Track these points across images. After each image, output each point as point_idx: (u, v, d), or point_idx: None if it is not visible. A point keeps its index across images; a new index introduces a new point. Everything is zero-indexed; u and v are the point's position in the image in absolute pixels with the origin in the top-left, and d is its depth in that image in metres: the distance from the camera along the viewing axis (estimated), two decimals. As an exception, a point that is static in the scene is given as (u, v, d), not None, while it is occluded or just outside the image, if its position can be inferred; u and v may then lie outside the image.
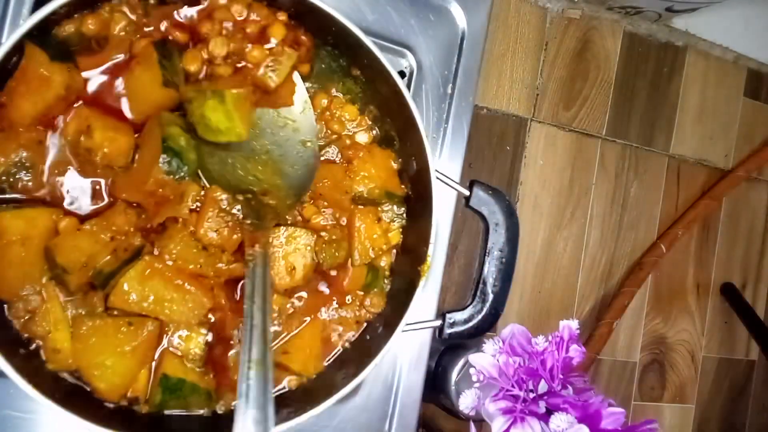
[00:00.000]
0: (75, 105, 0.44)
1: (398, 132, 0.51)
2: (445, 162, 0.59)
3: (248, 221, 0.47)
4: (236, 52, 0.48)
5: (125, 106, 0.45)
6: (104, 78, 0.45)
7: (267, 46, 0.49)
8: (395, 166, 0.52)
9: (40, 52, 0.41)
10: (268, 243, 0.46)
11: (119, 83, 0.45)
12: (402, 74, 0.59)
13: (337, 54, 0.51)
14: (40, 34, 0.42)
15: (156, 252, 0.44)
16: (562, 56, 1.16)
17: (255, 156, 0.49)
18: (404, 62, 0.59)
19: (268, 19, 0.50)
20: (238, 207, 0.47)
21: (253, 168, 0.50)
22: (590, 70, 1.18)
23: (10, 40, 0.39)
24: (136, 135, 0.45)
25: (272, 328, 0.48)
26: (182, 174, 0.44)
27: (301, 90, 0.50)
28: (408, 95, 0.47)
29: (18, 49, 0.41)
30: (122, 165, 0.44)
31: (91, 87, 0.44)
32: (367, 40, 0.46)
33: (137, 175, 0.44)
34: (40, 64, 0.41)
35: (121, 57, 0.45)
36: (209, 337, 0.46)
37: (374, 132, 0.52)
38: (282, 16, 0.50)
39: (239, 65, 0.49)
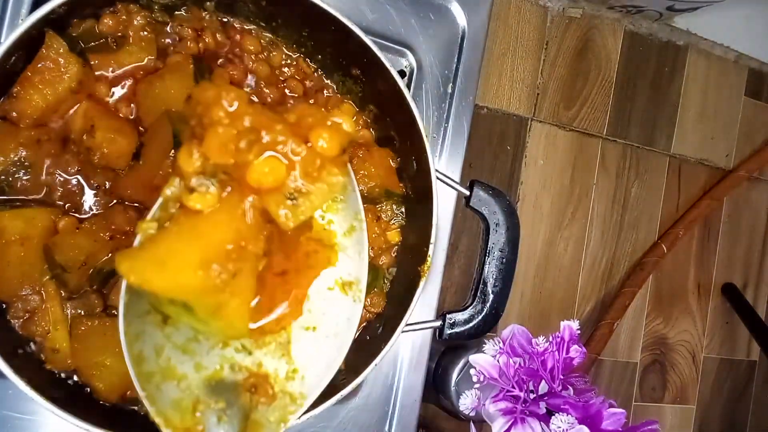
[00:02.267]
0: (82, 104, 0.43)
1: (398, 131, 0.51)
2: (445, 162, 0.59)
3: None
4: (232, 165, 0.27)
5: (133, 108, 0.45)
6: (118, 79, 0.45)
7: (293, 155, 0.27)
8: (394, 164, 0.52)
9: (59, 40, 0.41)
10: None
11: (131, 86, 0.45)
12: (402, 74, 0.58)
13: (337, 54, 0.51)
14: (56, 29, 0.42)
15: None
16: (562, 55, 1.15)
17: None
18: (404, 61, 0.58)
19: (313, 114, 0.28)
20: None
21: (240, 342, 0.30)
22: (591, 69, 1.18)
23: (10, 38, 0.39)
24: (140, 136, 0.45)
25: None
26: None
27: (353, 198, 0.32)
28: (408, 95, 0.47)
29: (17, 48, 0.40)
30: (120, 167, 0.44)
31: (102, 86, 0.44)
32: (367, 40, 0.46)
33: (144, 171, 0.44)
34: (59, 53, 0.41)
35: (140, 61, 0.44)
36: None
37: (373, 131, 0.52)
38: (345, 111, 0.29)
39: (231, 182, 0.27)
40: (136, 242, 0.29)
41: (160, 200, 0.28)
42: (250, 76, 0.49)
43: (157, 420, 0.29)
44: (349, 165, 0.32)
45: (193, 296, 0.27)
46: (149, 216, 0.28)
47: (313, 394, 0.33)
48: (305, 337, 0.33)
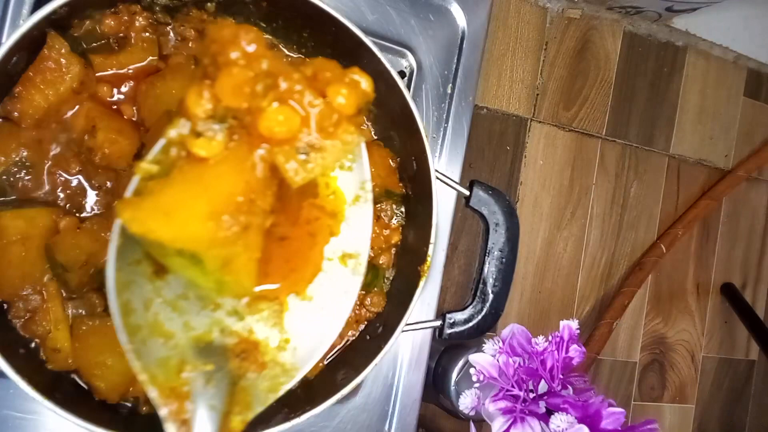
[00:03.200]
0: (84, 104, 0.44)
1: (398, 132, 0.51)
2: (445, 162, 0.59)
3: None
4: (243, 110, 0.26)
5: (135, 109, 0.45)
6: (119, 80, 0.45)
7: (310, 107, 0.26)
8: (394, 164, 0.52)
9: (61, 41, 0.42)
10: None
11: (133, 86, 0.45)
12: (402, 74, 0.59)
13: (336, 54, 0.51)
14: (57, 30, 0.42)
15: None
16: (562, 56, 1.16)
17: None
18: (404, 62, 0.59)
19: (329, 68, 0.27)
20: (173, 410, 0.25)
21: (233, 305, 0.29)
22: (590, 69, 1.18)
23: (11, 39, 0.39)
24: (142, 137, 0.45)
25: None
26: None
27: (361, 166, 0.30)
28: (408, 95, 0.47)
29: (19, 48, 0.41)
30: (122, 167, 0.44)
31: (104, 87, 0.44)
32: (367, 40, 0.46)
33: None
34: (60, 53, 0.41)
35: (142, 62, 0.44)
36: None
37: (373, 131, 0.52)
38: (359, 76, 0.27)
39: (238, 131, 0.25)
40: (132, 185, 0.28)
41: (162, 141, 0.27)
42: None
43: (142, 377, 0.28)
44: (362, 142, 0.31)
45: (203, 247, 0.26)
46: (149, 156, 0.27)
47: (306, 366, 0.31)
48: (300, 308, 0.32)
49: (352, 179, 0.32)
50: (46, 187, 0.43)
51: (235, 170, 0.26)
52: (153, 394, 0.28)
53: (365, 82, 0.28)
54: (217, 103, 0.26)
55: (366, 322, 0.51)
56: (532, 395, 0.45)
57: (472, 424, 0.45)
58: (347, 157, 0.30)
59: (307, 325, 0.32)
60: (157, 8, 0.46)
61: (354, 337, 0.51)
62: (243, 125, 0.26)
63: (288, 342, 0.32)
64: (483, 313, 0.52)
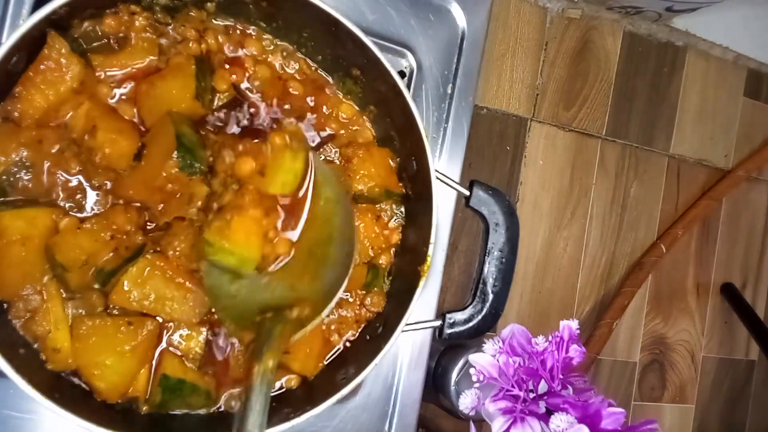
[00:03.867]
0: (84, 104, 0.44)
1: (398, 132, 0.51)
2: (445, 162, 0.59)
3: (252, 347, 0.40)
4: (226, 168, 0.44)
5: (135, 109, 0.45)
6: (120, 80, 0.45)
7: (261, 150, 0.44)
8: (394, 164, 0.52)
9: (61, 41, 0.42)
10: (272, 368, 0.38)
11: (133, 87, 0.45)
12: (402, 74, 0.59)
13: (337, 54, 0.51)
14: (57, 30, 0.42)
15: (158, 249, 0.44)
16: (562, 56, 1.16)
17: (291, 265, 0.45)
18: (404, 62, 0.59)
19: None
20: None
21: (284, 282, 0.45)
22: (590, 70, 1.18)
23: (11, 39, 0.39)
24: (142, 137, 0.45)
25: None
26: (195, 170, 0.44)
27: (332, 180, 0.46)
28: (408, 95, 0.47)
29: (19, 48, 0.41)
30: (122, 167, 0.44)
31: (104, 87, 0.44)
32: (367, 40, 0.46)
33: (146, 172, 0.44)
34: (60, 53, 0.42)
35: (142, 62, 0.45)
36: (210, 336, 0.46)
37: (373, 131, 0.53)
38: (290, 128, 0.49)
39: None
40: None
41: (215, 205, 0.45)
42: (250, 77, 0.49)
43: (230, 327, 0.44)
44: (311, 156, 0.47)
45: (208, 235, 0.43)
46: (214, 209, 0.44)
47: (332, 303, 0.44)
48: (327, 274, 0.46)
49: (329, 187, 0.47)
50: (46, 187, 0.43)
51: (239, 200, 0.44)
52: (232, 328, 0.43)
53: (292, 126, 0.48)
54: (224, 177, 0.44)
55: (366, 322, 0.51)
56: (532, 395, 0.45)
57: (472, 424, 0.45)
58: (291, 166, 0.46)
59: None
60: (157, 8, 0.46)
61: (354, 337, 0.51)
62: (238, 181, 0.44)
63: (325, 289, 0.45)
64: (483, 313, 0.52)
